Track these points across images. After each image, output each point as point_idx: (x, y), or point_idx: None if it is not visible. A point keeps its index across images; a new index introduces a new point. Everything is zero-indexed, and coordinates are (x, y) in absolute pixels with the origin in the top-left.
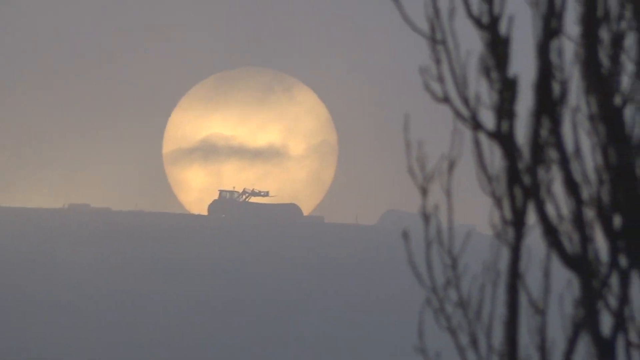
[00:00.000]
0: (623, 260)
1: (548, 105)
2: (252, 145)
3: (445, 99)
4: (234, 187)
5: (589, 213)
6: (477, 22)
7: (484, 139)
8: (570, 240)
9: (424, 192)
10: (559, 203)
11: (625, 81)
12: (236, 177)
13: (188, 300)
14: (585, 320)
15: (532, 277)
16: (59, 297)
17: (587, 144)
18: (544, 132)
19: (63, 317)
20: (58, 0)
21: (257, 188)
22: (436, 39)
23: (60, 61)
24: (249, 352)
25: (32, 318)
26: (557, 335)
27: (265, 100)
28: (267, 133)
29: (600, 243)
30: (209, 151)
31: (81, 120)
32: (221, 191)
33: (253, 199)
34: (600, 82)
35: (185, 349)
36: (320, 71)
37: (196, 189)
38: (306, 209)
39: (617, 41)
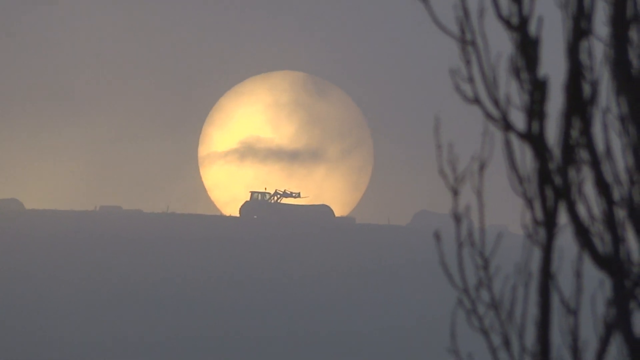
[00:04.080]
0: None
1: (578, 106)
2: (289, 147)
3: (476, 100)
4: (265, 188)
5: (621, 213)
6: (507, 23)
7: (514, 140)
8: (601, 240)
9: (455, 193)
10: (590, 204)
11: None
12: (272, 180)
13: (219, 301)
14: (617, 321)
15: (564, 278)
16: (89, 299)
17: (617, 145)
18: (575, 133)
19: (97, 317)
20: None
21: (289, 189)
22: (466, 40)
23: (91, 68)
24: (278, 352)
25: (69, 317)
26: (590, 335)
27: (301, 102)
28: (303, 135)
29: (632, 243)
30: (244, 154)
31: (114, 123)
32: (253, 192)
33: (285, 200)
34: (631, 83)
35: (212, 349)
36: (352, 74)
37: (230, 191)
38: (343, 211)
39: None
